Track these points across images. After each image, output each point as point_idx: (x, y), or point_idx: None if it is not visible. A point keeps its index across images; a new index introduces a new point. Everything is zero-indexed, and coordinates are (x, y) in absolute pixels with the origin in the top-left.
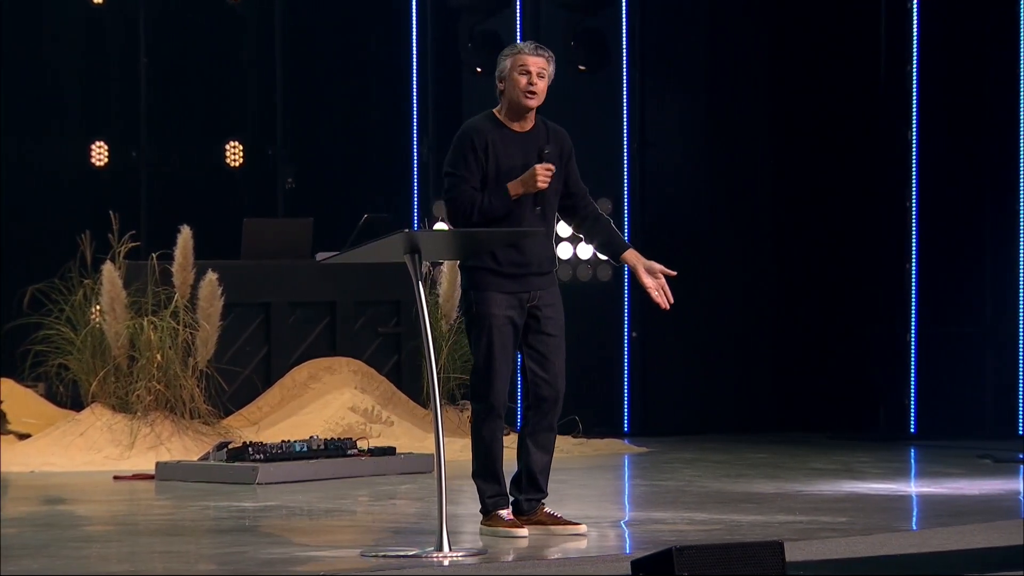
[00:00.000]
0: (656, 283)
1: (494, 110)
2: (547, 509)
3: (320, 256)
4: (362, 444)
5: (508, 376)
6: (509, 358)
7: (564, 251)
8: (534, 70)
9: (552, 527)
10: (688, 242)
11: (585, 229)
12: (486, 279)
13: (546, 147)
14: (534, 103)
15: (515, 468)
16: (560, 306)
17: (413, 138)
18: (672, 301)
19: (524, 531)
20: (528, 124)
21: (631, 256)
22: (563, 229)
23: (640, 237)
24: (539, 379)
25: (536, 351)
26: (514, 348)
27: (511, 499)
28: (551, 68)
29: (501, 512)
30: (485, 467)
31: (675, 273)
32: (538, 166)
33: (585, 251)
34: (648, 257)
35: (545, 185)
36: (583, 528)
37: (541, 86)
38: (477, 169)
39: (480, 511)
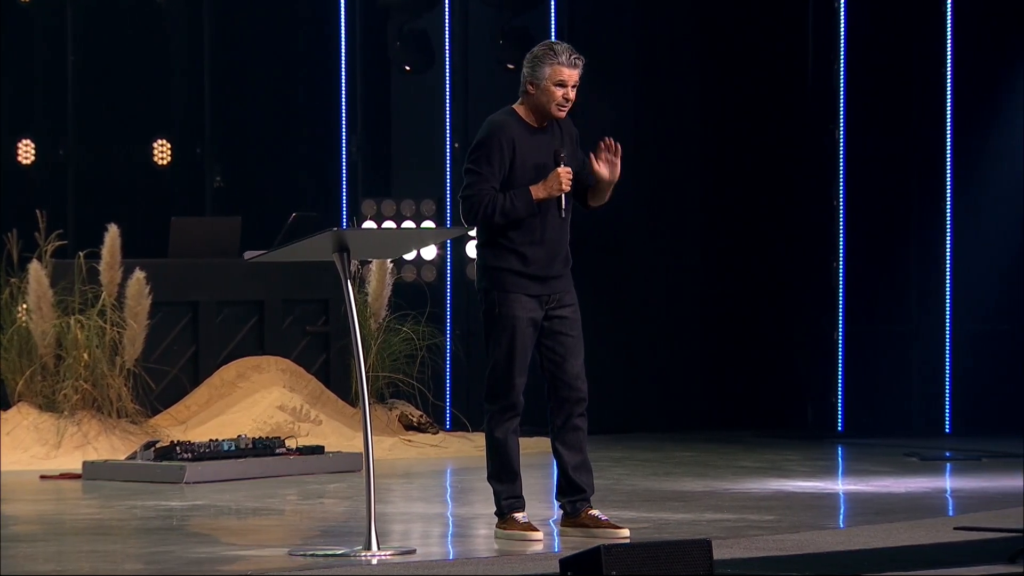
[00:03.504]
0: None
1: (514, 107)
2: (593, 511)
3: (248, 255)
4: (290, 443)
5: (525, 377)
6: (527, 360)
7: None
8: (570, 83)
9: (594, 529)
10: (615, 239)
11: None
12: (511, 280)
13: (561, 151)
14: (564, 115)
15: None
16: (577, 306)
17: (342, 137)
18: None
19: (539, 534)
20: (544, 122)
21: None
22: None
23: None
24: (559, 381)
25: (555, 352)
26: (532, 350)
27: (559, 505)
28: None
29: (516, 515)
30: (501, 468)
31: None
32: (560, 170)
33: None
34: (577, 253)
35: (568, 188)
36: (626, 532)
37: (573, 96)
38: (500, 170)
39: (495, 514)
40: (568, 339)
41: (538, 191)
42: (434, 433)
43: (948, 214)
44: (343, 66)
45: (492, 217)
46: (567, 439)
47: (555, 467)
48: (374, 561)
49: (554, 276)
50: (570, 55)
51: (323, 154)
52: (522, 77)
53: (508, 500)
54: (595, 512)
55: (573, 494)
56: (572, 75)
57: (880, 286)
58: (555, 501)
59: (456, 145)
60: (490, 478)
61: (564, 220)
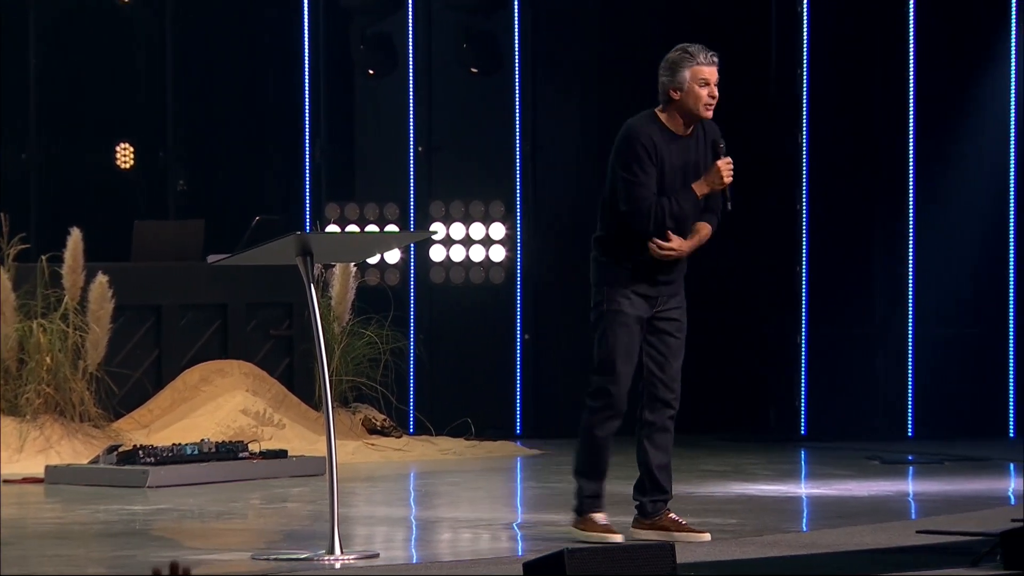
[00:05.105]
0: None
1: (656, 111)
2: (672, 515)
3: (211, 258)
4: (254, 447)
5: (631, 376)
6: (634, 359)
7: (457, 254)
8: (712, 80)
9: (675, 533)
10: (580, 246)
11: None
12: (620, 276)
13: (720, 141)
14: (711, 114)
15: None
16: (685, 308)
17: (305, 140)
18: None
19: (619, 537)
20: (690, 128)
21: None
22: (456, 231)
23: (533, 240)
24: (657, 380)
25: (657, 352)
26: (638, 349)
27: (635, 503)
28: None
29: (596, 516)
30: (594, 465)
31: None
32: (720, 162)
33: (477, 253)
34: (541, 260)
35: (730, 179)
36: (707, 536)
37: (716, 94)
38: (653, 170)
39: (574, 510)
40: (673, 340)
41: (701, 187)
42: (397, 437)
43: (911, 218)
44: (306, 69)
45: (664, 224)
46: (656, 439)
47: (638, 466)
48: (337, 565)
49: (665, 280)
50: (706, 54)
51: (286, 158)
52: (661, 86)
53: (591, 498)
54: (675, 516)
55: (655, 493)
56: (712, 73)
57: (843, 290)
58: (633, 499)
59: (420, 149)
60: (577, 474)
61: (689, 224)
